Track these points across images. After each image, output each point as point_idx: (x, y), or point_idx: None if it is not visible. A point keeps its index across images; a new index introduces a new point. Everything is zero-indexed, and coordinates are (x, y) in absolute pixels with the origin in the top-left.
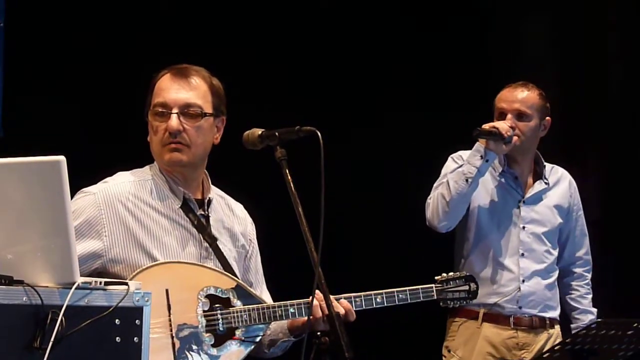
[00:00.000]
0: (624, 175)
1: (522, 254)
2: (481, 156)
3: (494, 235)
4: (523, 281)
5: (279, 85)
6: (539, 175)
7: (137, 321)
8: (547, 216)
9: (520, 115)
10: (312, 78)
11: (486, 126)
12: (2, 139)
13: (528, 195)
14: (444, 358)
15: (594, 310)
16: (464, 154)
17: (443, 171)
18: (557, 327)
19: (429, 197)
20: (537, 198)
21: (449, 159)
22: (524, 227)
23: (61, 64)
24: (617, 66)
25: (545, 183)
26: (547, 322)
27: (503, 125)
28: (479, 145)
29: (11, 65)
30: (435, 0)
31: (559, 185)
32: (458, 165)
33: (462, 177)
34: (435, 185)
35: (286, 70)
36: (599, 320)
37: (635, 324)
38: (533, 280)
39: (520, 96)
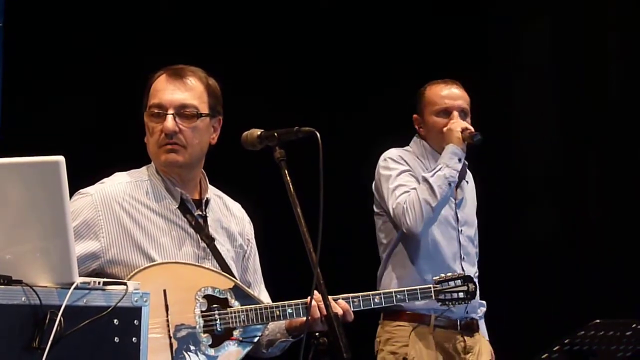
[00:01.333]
0: (624, 175)
1: (463, 258)
2: (459, 159)
3: (441, 240)
4: None
5: (279, 85)
6: (460, 175)
7: (135, 321)
8: (472, 217)
9: (464, 113)
10: (312, 78)
11: (459, 127)
12: (2, 139)
13: (459, 197)
14: None
15: (484, 302)
16: (402, 153)
17: (390, 174)
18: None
19: (401, 203)
20: (464, 199)
21: (388, 160)
22: (461, 231)
23: (61, 63)
24: (617, 66)
25: (467, 182)
26: (478, 323)
27: (470, 126)
28: (455, 147)
29: (11, 65)
30: (435, 1)
31: (472, 183)
32: (406, 167)
33: (446, 181)
34: (392, 187)
35: (286, 70)
36: (597, 320)
37: (634, 325)
38: None
39: (460, 93)
